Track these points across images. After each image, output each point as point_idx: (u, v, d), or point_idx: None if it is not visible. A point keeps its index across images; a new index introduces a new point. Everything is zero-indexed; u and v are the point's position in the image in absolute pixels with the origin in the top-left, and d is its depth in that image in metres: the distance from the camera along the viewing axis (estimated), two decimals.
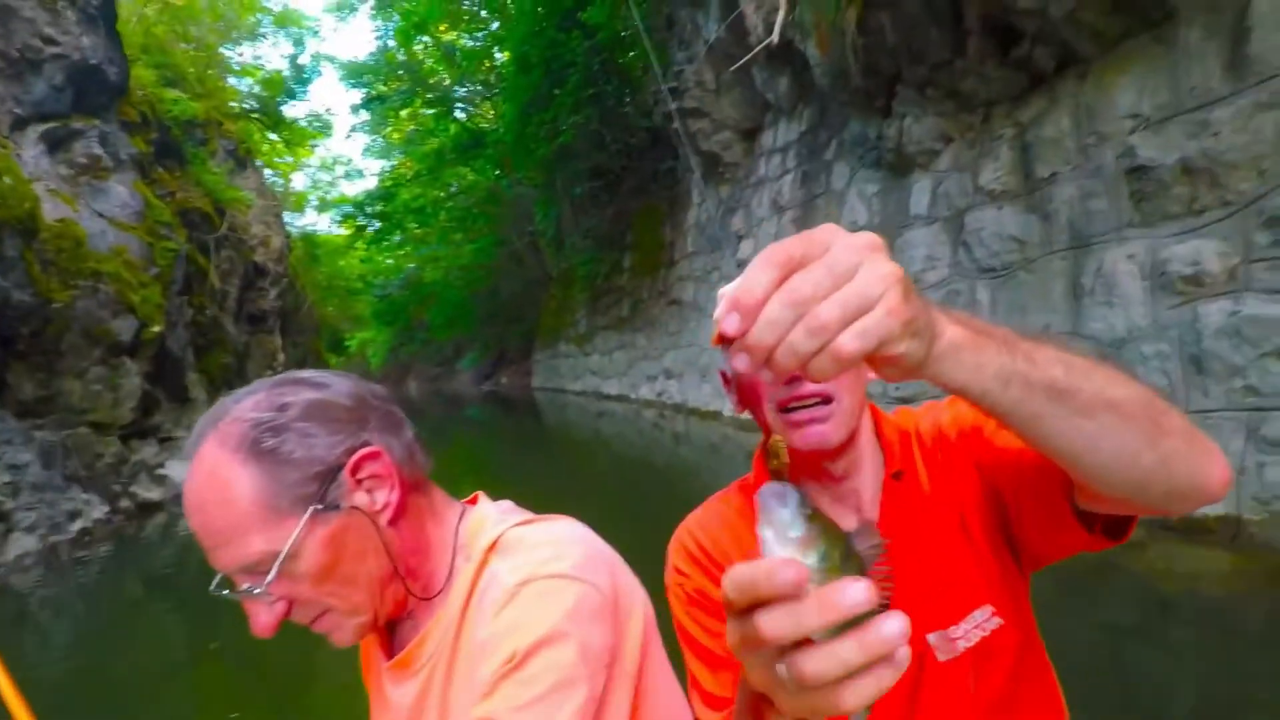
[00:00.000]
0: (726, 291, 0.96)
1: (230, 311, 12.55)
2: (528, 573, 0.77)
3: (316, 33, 33.30)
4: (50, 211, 7.24)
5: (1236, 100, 3.76)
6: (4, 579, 5.60)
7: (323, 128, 25.22)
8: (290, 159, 26.43)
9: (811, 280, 0.40)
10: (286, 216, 22.92)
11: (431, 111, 27.30)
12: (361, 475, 0.79)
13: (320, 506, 0.75)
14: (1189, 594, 3.57)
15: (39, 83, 7.89)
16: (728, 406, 9.59)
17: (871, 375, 0.59)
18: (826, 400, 0.85)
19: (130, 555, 6.47)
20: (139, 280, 8.24)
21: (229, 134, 15.26)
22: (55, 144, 8.10)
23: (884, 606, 0.37)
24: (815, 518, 0.39)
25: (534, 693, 0.71)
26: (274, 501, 0.73)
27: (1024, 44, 4.94)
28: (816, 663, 0.36)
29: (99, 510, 6.94)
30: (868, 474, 0.93)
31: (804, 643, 0.36)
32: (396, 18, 25.15)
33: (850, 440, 0.89)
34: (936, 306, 0.48)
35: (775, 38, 6.69)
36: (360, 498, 0.78)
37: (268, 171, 21.93)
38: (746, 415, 0.95)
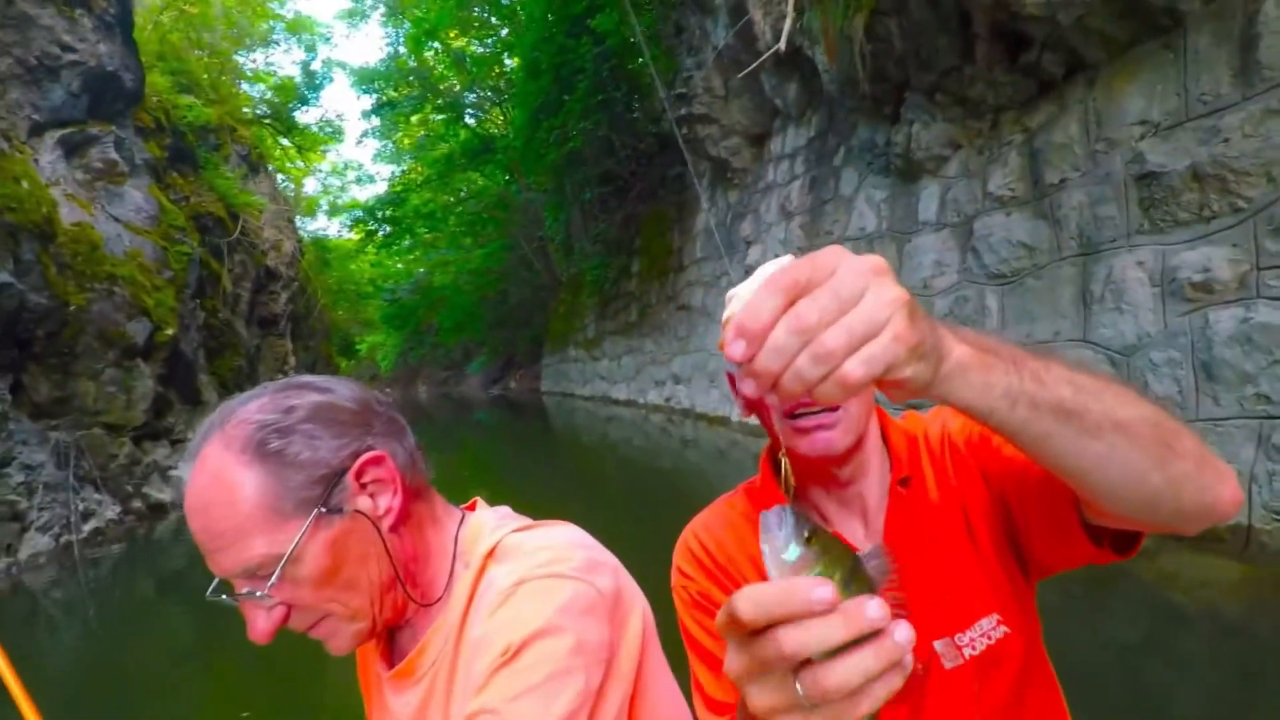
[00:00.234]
0: (736, 293, 0.97)
1: (242, 315, 12.65)
2: (523, 574, 0.77)
3: (328, 39, 33.73)
4: (67, 216, 7.34)
5: (1246, 106, 3.74)
6: (18, 578, 5.66)
7: (334, 133, 25.26)
8: (302, 164, 26.59)
9: (818, 306, 0.40)
10: (298, 221, 23.10)
11: (442, 117, 27.49)
12: (365, 479, 0.79)
13: (324, 509, 0.75)
14: (1198, 603, 3.55)
15: (56, 89, 8.00)
16: (735, 412, 9.58)
17: None
18: (833, 407, 0.85)
19: (142, 555, 6.53)
20: (153, 284, 8.33)
21: (242, 139, 15.40)
22: (72, 149, 8.20)
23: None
24: (816, 539, 0.40)
25: (528, 682, 0.70)
26: (278, 504, 0.73)
27: (1033, 50, 4.93)
28: (839, 675, 0.37)
29: (111, 510, 7.01)
30: (874, 479, 0.93)
31: (808, 660, 0.38)
32: (407, 24, 25.35)
33: (857, 446, 0.89)
34: (944, 325, 0.48)
35: (783, 44, 6.71)
36: (364, 502, 0.78)
37: (280, 176, 22.08)
38: (754, 420, 0.95)
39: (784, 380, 0.41)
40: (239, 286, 12.51)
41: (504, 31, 24.12)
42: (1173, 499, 0.57)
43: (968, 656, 0.86)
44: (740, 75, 9.07)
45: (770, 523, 0.41)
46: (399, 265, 36.22)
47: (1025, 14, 4.67)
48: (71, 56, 8.07)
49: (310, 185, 34.12)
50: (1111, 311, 4.41)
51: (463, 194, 29.52)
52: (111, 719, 3.33)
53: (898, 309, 0.41)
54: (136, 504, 7.46)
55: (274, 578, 0.72)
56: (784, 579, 0.38)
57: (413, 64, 26.44)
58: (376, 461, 0.79)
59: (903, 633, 0.37)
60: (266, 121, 20.06)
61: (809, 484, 0.95)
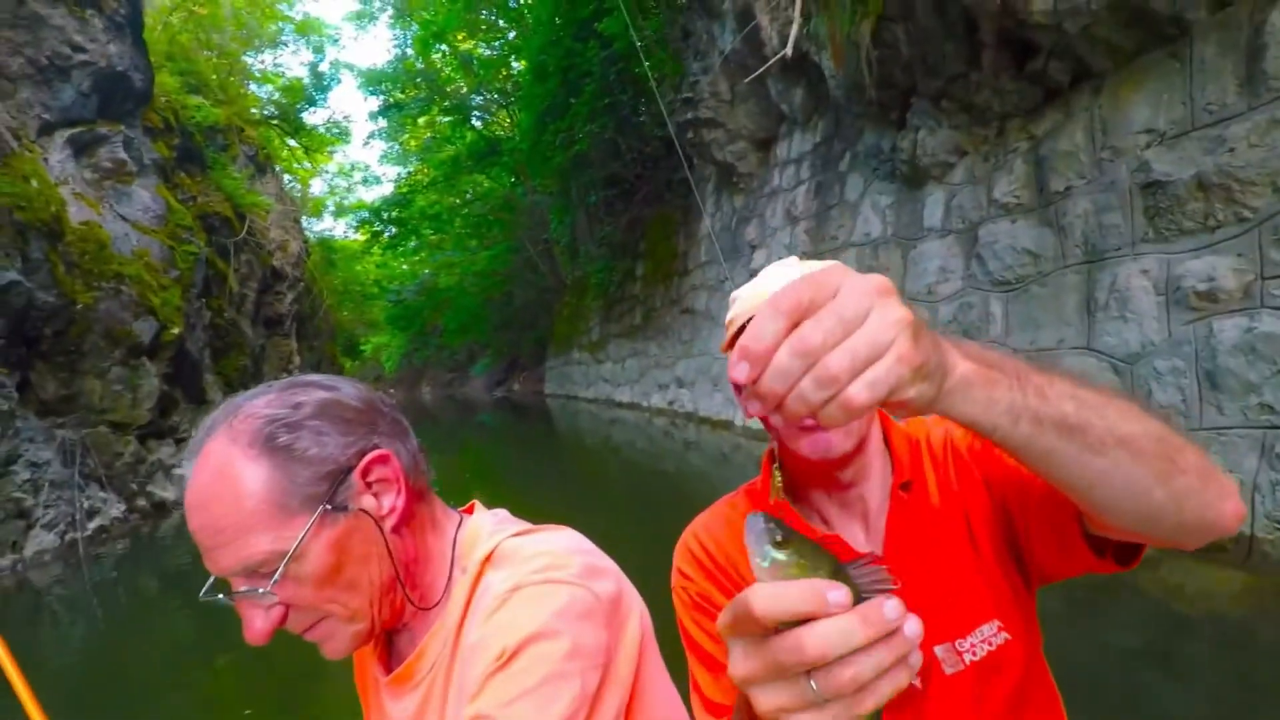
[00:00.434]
0: (739, 294, 0.98)
1: (248, 314, 12.69)
2: (519, 579, 0.76)
3: (336, 41, 33.68)
4: (75, 214, 7.40)
5: (1252, 116, 3.74)
6: (23, 574, 5.69)
7: (341, 134, 25.40)
8: (309, 165, 26.73)
9: (822, 328, 0.40)
10: (304, 221, 23.17)
11: (448, 119, 27.55)
12: (371, 478, 0.78)
13: (329, 507, 0.74)
14: (1201, 612, 3.53)
15: (67, 89, 8.06)
16: (739, 416, 9.57)
17: None
18: None
19: (146, 553, 6.56)
20: (160, 283, 8.38)
21: (250, 140, 15.48)
22: (81, 149, 8.26)
23: None
24: (789, 546, 0.40)
25: (523, 686, 0.69)
26: (284, 499, 0.72)
27: (1039, 58, 4.94)
28: (854, 670, 0.37)
29: (116, 509, 7.05)
30: (875, 482, 0.93)
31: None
32: (415, 27, 25.44)
33: (858, 449, 0.89)
34: (947, 341, 0.48)
35: (790, 50, 6.72)
36: (368, 501, 0.77)
37: (287, 177, 22.18)
38: (757, 424, 0.96)
39: (788, 403, 0.41)
40: (245, 286, 12.57)
41: (511, 34, 24.21)
42: (1175, 514, 0.58)
43: (968, 662, 0.86)
44: (747, 80, 9.09)
45: (748, 526, 0.42)
46: (404, 266, 36.29)
47: (1032, 22, 4.67)
48: (82, 56, 8.14)
49: (317, 186, 34.34)
50: (1116, 320, 4.41)
51: (469, 196, 29.57)
52: (114, 716, 3.33)
53: (901, 330, 0.41)
54: (141, 502, 7.50)
55: (277, 575, 0.71)
56: (806, 581, 0.39)
57: (420, 66, 26.53)
58: (382, 460, 0.79)
59: (912, 626, 0.38)
60: (274, 122, 20.16)
61: (810, 486, 0.95)
